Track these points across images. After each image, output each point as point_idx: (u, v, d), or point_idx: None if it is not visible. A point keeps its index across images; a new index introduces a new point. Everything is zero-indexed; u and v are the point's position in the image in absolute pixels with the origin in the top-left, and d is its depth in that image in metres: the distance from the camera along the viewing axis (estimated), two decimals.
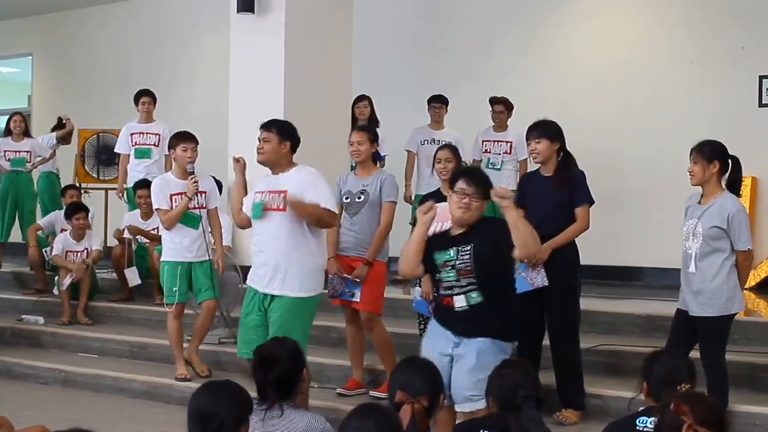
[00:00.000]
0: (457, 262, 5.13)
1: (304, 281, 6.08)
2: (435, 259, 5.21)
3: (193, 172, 7.54)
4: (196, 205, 7.66)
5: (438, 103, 10.38)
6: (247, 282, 6.30)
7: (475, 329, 5.12)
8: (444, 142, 8.97)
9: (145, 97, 10.53)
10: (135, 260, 9.91)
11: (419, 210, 5.27)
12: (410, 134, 10.29)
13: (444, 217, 5.42)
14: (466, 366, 5.07)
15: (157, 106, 10.65)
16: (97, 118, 12.84)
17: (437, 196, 6.32)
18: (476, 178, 5.28)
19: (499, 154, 10.05)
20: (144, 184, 9.76)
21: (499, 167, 9.88)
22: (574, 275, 6.34)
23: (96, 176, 12.01)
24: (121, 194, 10.55)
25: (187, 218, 7.60)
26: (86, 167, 11.98)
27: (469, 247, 5.12)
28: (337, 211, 6.34)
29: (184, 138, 7.67)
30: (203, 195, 7.72)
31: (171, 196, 7.60)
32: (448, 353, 5.15)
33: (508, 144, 10.05)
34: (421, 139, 10.25)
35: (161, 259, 7.79)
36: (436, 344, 5.22)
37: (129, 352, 8.77)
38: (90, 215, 10.23)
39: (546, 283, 6.13)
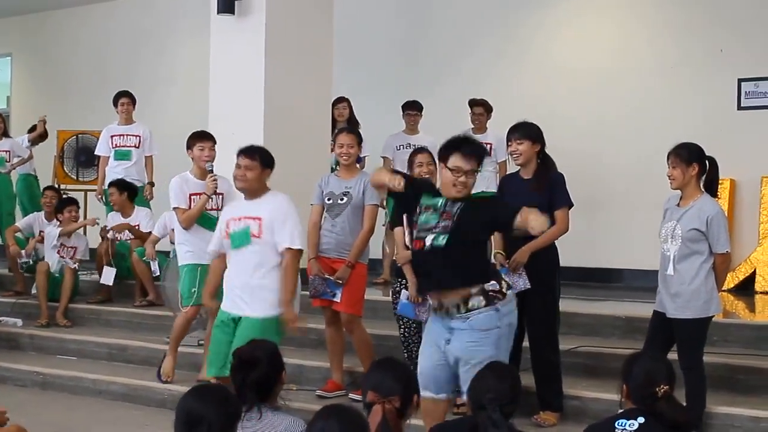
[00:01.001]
0: (443, 210, 5.06)
1: (273, 301, 6.05)
2: (421, 201, 5.15)
3: (212, 171, 7.36)
4: (214, 207, 7.45)
5: (412, 110, 10.39)
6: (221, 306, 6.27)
7: (451, 280, 5.04)
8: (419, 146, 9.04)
9: (123, 98, 10.49)
10: (116, 260, 9.88)
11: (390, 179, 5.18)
12: (385, 141, 10.28)
13: None
14: (464, 340, 5.03)
15: (137, 108, 10.62)
16: (76, 119, 12.81)
17: None
18: (473, 151, 5.15)
19: None
20: (115, 183, 9.79)
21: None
22: (554, 278, 6.36)
23: (75, 178, 11.98)
24: (100, 196, 10.50)
25: (204, 219, 7.40)
26: (65, 169, 11.94)
27: (457, 206, 5.04)
28: (303, 248, 6.21)
29: (200, 137, 7.55)
30: (221, 197, 7.49)
31: (190, 195, 7.46)
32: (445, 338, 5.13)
33: (488, 146, 10.03)
34: (396, 144, 10.25)
35: (180, 263, 7.60)
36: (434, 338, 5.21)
37: (108, 354, 8.72)
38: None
39: (528, 287, 6.14)
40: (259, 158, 6.11)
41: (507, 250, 6.24)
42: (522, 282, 6.14)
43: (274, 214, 6.07)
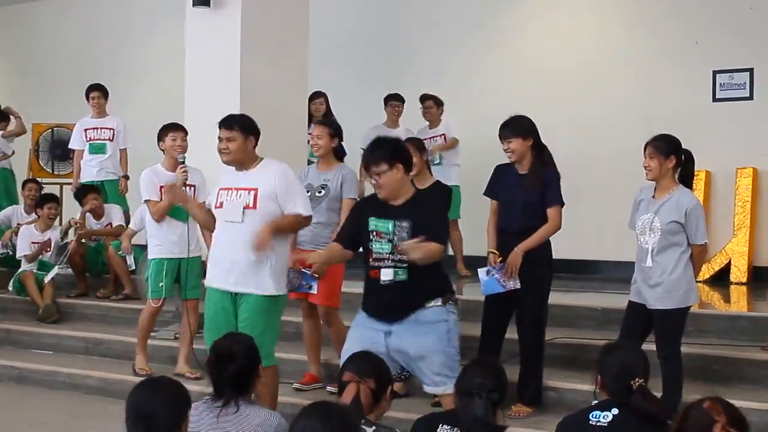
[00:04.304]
0: (395, 237, 5.20)
1: (274, 279, 5.89)
2: (368, 224, 5.28)
3: (183, 162, 7.26)
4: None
5: (396, 101, 10.50)
6: (209, 282, 6.06)
7: (400, 310, 5.24)
8: None
9: (94, 92, 10.42)
10: (89, 255, 9.84)
11: None
12: (366, 132, 10.25)
13: None
14: (410, 330, 5.22)
15: (115, 100, 10.55)
16: (52, 113, 12.68)
17: None
18: (374, 154, 5.32)
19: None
20: (90, 189, 9.74)
21: (438, 162, 9.94)
22: (545, 276, 6.35)
23: (50, 171, 11.91)
24: (75, 190, 10.45)
25: (176, 211, 7.35)
26: (40, 162, 11.88)
27: (406, 224, 5.19)
28: (310, 214, 6.10)
29: (172, 128, 7.54)
30: (192, 189, 7.43)
31: (161, 188, 7.40)
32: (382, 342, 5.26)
33: (442, 136, 10.20)
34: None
35: (148, 257, 7.61)
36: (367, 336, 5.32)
37: (84, 348, 8.69)
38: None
39: (518, 286, 6.15)
40: (238, 127, 5.89)
41: (500, 249, 6.26)
42: (513, 281, 6.16)
43: (275, 184, 5.85)
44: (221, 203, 5.95)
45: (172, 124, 7.62)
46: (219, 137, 5.94)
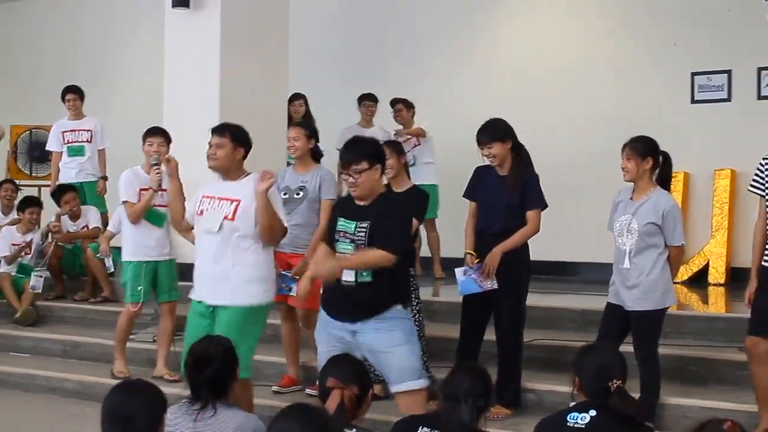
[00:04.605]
0: (356, 237, 5.23)
1: (252, 290, 5.82)
2: (337, 223, 5.31)
3: (156, 164, 7.26)
4: (163, 203, 7.35)
5: (369, 101, 10.51)
6: (191, 294, 6.01)
7: (362, 312, 5.23)
8: None
9: (70, 94, 10.36)
10: (66, 256, 9.79)
11: None
12: (340, 132, 10.26)
13: None
14: (376, 327, 5.21)
15: (98, 102, 10.51)
16: (31, 114, 12.61)
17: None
18: (356, 152, 5.31)
19: (408, 151, 10.16)
20: (67, 188, 9.68)
21: (413, 163, 9.97)
22: (523, 278, 6.36)
23: (29, 173, 11.84)
24: (52, 191, 10.39)
25: (152, 215, 7.39)
26: (18, 164, 11.81)
27: (365, 225, 5.19)
28: (286, 225, 6.06)
29: (150, 133, 7.54)
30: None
31: (140, 190, 7.41)
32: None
33: (415, 140, 10.23)
34: (350, 137, 10.25)
35: (123, 259, 7.60)
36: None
37: (62, 351, 8.65)
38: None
39: (495, 287, 6.16)
40: (229, 135, 5.85)
41: (478, 250, 6.27)
42: (490, 281, 6.17)
43: (255, 200, 5.76)
44: (202, 211, 5.90)
45: (151, 128, 7.63)
46: (209, 143, 5.89)
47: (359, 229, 5.22)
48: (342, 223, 5.32)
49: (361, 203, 5.32)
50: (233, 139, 5.86)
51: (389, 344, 5.18)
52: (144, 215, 7.44)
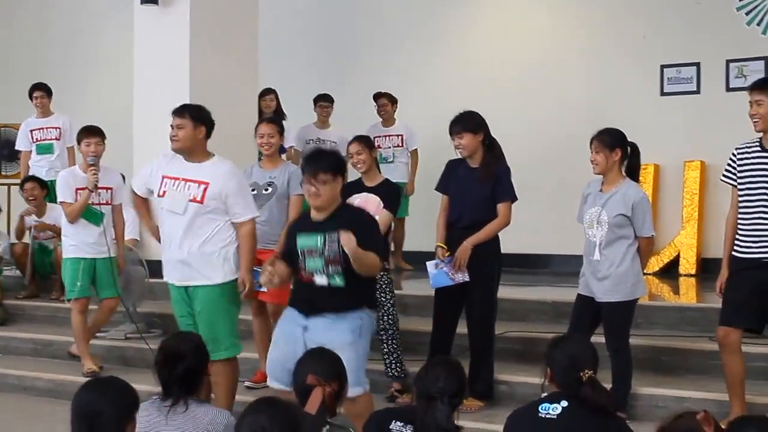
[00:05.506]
0: (326, 251, 5.19)
1: (227, 267, 5.91)
2: (298, 242, 5.28)
3: (93, 165, 7.35)
4: (101, 201, 7.54)
5: (325, 101, 10.53)
6: (166, 278, 6.07)
7: (322, 307, 5.25)
8: (329, 142, 9.25)
9: (37, 91, 10.29)
10: (36, 255, 9.71)
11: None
12: (297, 131, 10.25)
13: (368, 207, 5.82)
14: (325, 323, 5.24)
15: (69, 98, 10.43)
16: (5, 111, 12.48)
17: (359, 187, 6.53)
18: (323, 162, 5.31)
19: (390, 147, 10.22)
20: (35, 178, 9.62)
21: (391, 160, 10.02)
22: (494, 270, 6.38)
23: None
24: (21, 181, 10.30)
25: (89, 214, 7.48)
26: None
27: (335, 236, 5.16)
28: (257, 214, 6.18)
29: (86, 132, 7.56)
30: (109, 191, 7.60)
31: (77, 190, 7.46)
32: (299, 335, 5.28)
33: (399, 137, 10.29)
34: (307, 138, 10.29)
35: (63, 256, 7.67)
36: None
37: (33, 350, 8.59)
38: None
39: (467, 279, 6.18)
40: (189, 115, 5.88)
41: (448, 243, 6.28)
42: (461, 274, 6.18)
43: (225, 184, 5.85)
44: (164, 192, 5.93)
45: (87, 127, 7.65)
46: (170, 125, 5.94)
47: (331, 241, 5.18)
48: (303, 240, 5.28)
49: (319, 217, 5.31)
50: (193, 118, 5.89)
51: (335, 345, 5.08)
52: (81, 214, 7.48)
